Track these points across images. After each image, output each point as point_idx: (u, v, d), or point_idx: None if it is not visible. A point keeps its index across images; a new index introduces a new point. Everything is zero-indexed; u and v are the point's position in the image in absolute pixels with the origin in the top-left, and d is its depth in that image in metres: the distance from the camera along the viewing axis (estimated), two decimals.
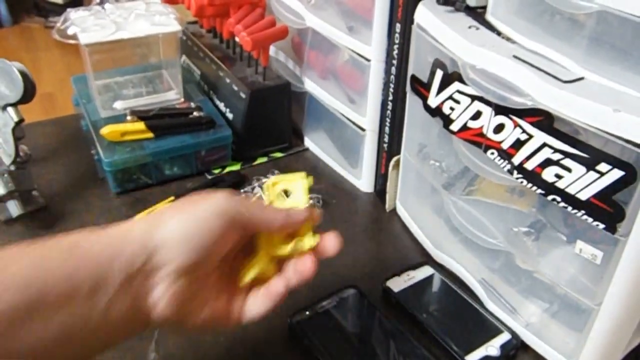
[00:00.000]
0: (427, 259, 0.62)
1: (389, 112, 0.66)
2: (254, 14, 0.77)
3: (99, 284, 0.35)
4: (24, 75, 0.61)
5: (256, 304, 0.43)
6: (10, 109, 0.62)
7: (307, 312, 0.55)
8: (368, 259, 0.64)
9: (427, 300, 0.58)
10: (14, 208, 0.65)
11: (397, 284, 0.59)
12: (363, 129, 0.70)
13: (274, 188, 0.47)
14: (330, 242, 0.44)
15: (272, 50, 0.83)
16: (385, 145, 0.68)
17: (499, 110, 0.45)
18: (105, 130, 0.70)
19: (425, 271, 0.60)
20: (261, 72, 0.77)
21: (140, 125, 0.71)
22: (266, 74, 0.77)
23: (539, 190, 0.44)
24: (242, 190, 0.71)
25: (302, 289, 0.60)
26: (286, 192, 0.48)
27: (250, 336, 0.53)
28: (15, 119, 0.62)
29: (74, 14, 0.74)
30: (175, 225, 0.38)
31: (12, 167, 0.63)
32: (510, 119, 0.45)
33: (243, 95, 0.74)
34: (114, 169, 0.69)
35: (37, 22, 2.99)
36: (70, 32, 0.71)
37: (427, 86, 0.55)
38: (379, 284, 0.59)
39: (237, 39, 0.79)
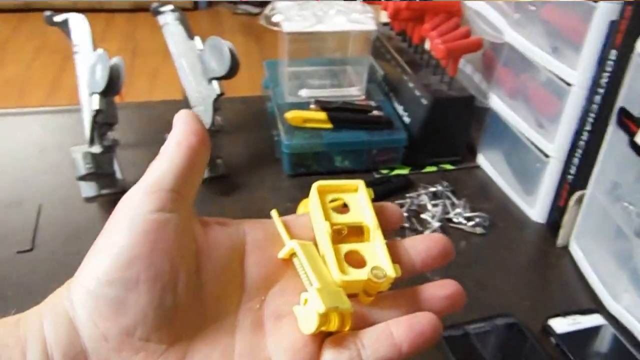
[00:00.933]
0: (598, 307, 0.57)
1: (582, 142, 0.61)
2: (449, 22, 0.76)
3: None
4: (232, 53, 0.66)
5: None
6: (215, 82, 0.67)
7: (460, 331, 0.54)
8: (529, 292, 0.61)
9: (593, 351, 0.53)
10: None
11: (560, 325, 0.55)
12: (547, 156, 0.66)
13: (325, 198, 0.34)
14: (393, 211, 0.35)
15: (460, 61, 0.82)
16: (569, 177, 0.64)
17: None
18: (289, 115, 0.73)
19: (595, 320, 0.56)
20: (446, 81, 0.76)
21: (322, 115, 0.74)
22: (451, 84, 0.75)
23: None
24: (407, 195, 0.70)
25: None
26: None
27: None
28: (218, 91, 0.67)
29: (280, 3, 0.78)
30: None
31: None
32: None
33: (424, 102, 0.74)
34: (291, 152, 0.72)
35: (227, 7, 3.24)
36: (275, 19, 0.75)
37: (639, 122, 0.50)
38: (539, 320, 0.56)
39: (426, 45, 0.79)
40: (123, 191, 0.29)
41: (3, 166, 0.75)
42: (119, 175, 0.71)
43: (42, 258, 0.61)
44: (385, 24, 0.92)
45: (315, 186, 0.34)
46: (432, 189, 0.71)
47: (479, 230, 0.67)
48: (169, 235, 0.28)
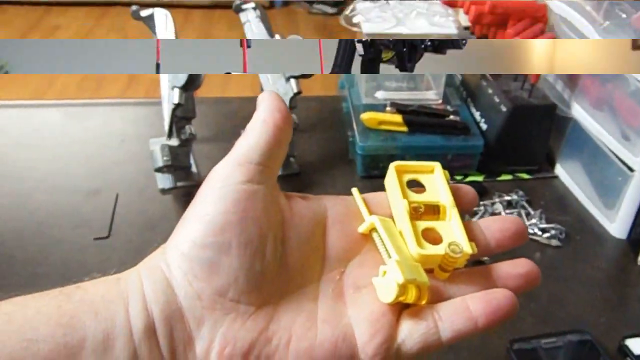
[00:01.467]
0: None
1: None
2: (533, 28, 0.74)
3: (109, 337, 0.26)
4: None
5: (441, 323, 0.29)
6: (292, 81, 0.69)
7: (530, 344, 0.52)
8: (606, 309, 0.59)
9: None
10: None
11: (638, 346, 0.52)
12: (632, 170, 0.63)
13: (403, 178, 0.35)
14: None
15: None
16: None
17: None
18: (365, 116, 0.73)
19: None
20: (527, 88, 0.74)
21: (398, 118, 0.73)
22: (532, 91, 0.73)
23: None
24: (481, 203, 0.69)
25: (527, 316, 0.56)
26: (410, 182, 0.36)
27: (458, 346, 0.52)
28: (295, 90, 0.68)
29: (360, 4, 0.79)
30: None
31: None
32: None
33: (503, 109, 0.72)
34: (365, 154, 0.72)
35: (303, 7, 3.27)
36: (355, 20, 0.76)
37: None
38: (615, 339, 0.53)
39: None
40: (198, 184, 0.31)
41: (83, 155, 0.78)
42: (194, 168, 0.74)
43: (118, 246, 0.63)
44: (466, 28, 0.90)
45: (393, 165, 0.35)
46: (507, 198, 0.70)
47: (554, 242, 0.65)
48: (258, 205, 0.29)
